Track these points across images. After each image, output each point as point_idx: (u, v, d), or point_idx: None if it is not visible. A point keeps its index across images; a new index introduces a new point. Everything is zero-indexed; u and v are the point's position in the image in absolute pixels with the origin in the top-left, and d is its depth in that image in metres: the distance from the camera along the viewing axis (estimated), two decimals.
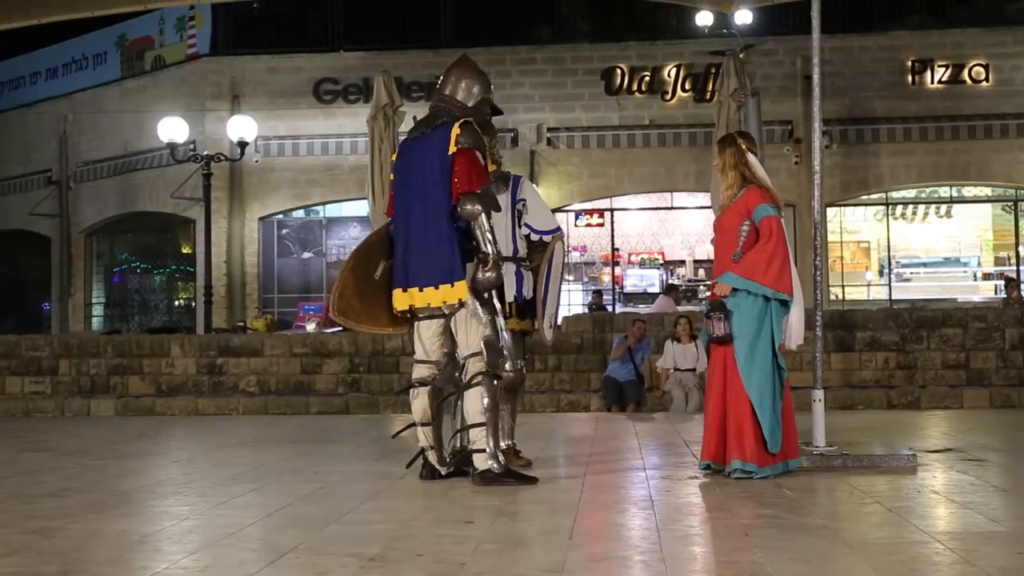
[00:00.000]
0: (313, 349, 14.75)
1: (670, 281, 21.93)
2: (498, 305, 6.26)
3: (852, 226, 22.71)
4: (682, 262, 23.10)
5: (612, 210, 23.03)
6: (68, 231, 25.78)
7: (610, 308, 21.29)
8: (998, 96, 21.61)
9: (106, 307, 26.48)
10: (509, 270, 6.75)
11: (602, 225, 23.10)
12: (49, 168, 25.95)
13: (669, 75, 22.30)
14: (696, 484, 6.18)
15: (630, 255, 23.25)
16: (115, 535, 4.86)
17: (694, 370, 13.54)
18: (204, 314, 19.54)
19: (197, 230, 22.64)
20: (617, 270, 23.10)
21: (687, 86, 22.25)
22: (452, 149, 6.11)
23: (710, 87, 21.31)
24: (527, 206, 7.02)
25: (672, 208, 23.28)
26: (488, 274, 6.04)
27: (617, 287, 22.97)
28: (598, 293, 21.38)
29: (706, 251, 21.89)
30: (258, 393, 14.37)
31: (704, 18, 21.46)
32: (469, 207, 5.99)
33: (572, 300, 22.65)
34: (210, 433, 10.40)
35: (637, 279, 23.08)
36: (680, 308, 17.55)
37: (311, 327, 18.24)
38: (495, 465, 6.04)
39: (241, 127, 19.97)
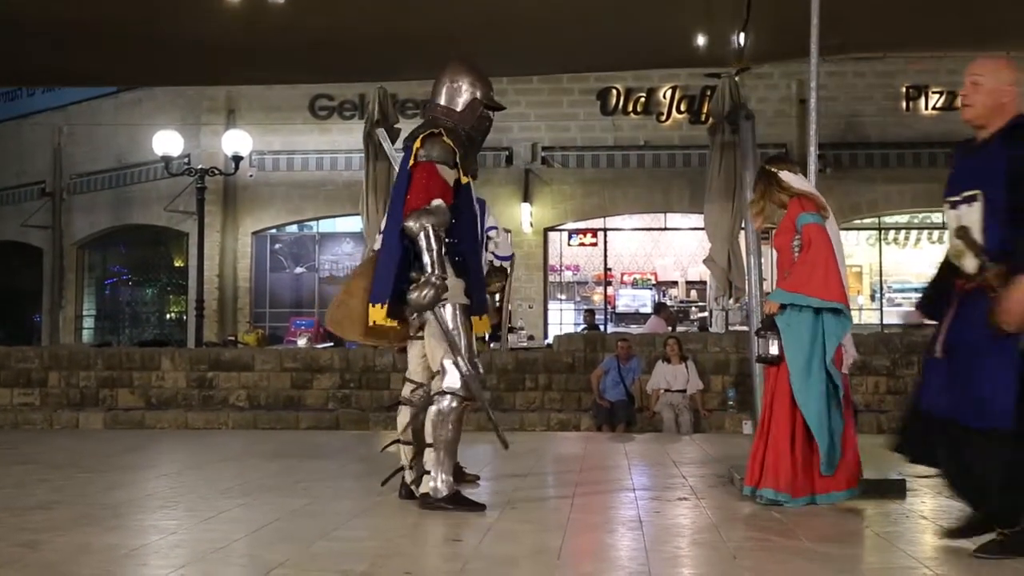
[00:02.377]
0: (304, 364, 14.74)
1: (660, 300, 21.93)
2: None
3: (844, 250, 22.62)
4: (675, 283, 23.13)
5: (605, 230, 23.05)
6: (60, 243, 25.74)
7: (602, 328, 21.29)
8: None
9: (97, 319, 26.42)
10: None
11: (595, 245, 23.11)
12: (43, 180, 25.93)
13: (664, 96, 22.36)
14: (685, 505, 6.17)
15: (623, 275, 23.27)
16: (103, 548, 4.85)
17: (684, 391, 13.55)
18: (195, 328, 19.53)
19: (190, 243, 22.63)
20: (609, 290, 23.11)
21: (682, 108, 22.31)
22: (411, 162, 5.87)
23: (705, 109, 21.36)
24: (498, 234, 7.01)
25: (665, 229, 23.30)
26: (413, 294, 5.65)
27: (609, 307, 22.98)
28: (590, 312, 21.41)
29: (699, 272, 21.90)
30: (248, 407, 14.35)
31: (700, 41, 21.50)
32: (408, 224, 5.69)
33: (564, 319, 22.66)
34: (199, 447, 10.37)
35: (629, 299, 23.10)
36: (673, 328, 17.57)
37: (302, 342, 18.20)
38: (441, 489, 5.80)
39: (236, 141, 20.00)
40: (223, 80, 16.99)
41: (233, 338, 19.83)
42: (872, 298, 22.56)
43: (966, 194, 4.75)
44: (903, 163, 21.64)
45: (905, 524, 5.66)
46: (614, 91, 22.39)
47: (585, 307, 22.32)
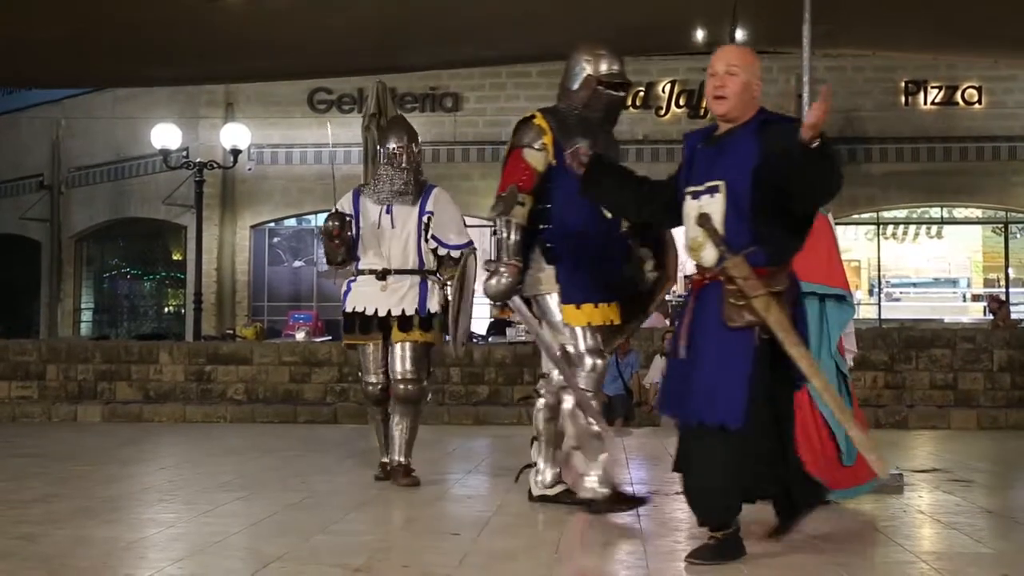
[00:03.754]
0: (302, 358, 14.71)
1: None
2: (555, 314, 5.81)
3: (843, 245, 22.19)
4: None
5: None
6: (59, 236, 25.71)
7: None
8: (990, 118, 21.68)
9: (95, 313, 26.39)
10: (414, 283, 6.76)
11: None
12: (41, 173, 25.89)
13: (663, 91, 22.36)
14: (683, 500, 6.16)
15: None
16: (101, 541, 4.85)
17: None
18: (193, 321, 19.50)
19: (188, 237, 22.60)
20: None
21: (681, 102, 22.31)
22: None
23: (704, 103, 21.34)
24: (434, 219, 6.78)
25: None
26: (488, 282, 5.68)
27: None
28: None
29: None
30: (246, 401, 14.33)
31: (699, 35, 21.50)
32: (491, 212, 5.81)
33: None
34: (197, 441, 10.37)
35: None
36: (671, 322, 17.53)
37: (300, 336, 18.18)
38: (600, 489, 5.63)
39: (234, 135, 19.98)
40: (221, 79, 16.92)
41: (231, 332, 19.82)
42: (870, 293, 22.54)
43: (708, 184, 4.59)
44: (902, 158, 21.64)
45: (903, 519, 5.67)
46: None
47: None
